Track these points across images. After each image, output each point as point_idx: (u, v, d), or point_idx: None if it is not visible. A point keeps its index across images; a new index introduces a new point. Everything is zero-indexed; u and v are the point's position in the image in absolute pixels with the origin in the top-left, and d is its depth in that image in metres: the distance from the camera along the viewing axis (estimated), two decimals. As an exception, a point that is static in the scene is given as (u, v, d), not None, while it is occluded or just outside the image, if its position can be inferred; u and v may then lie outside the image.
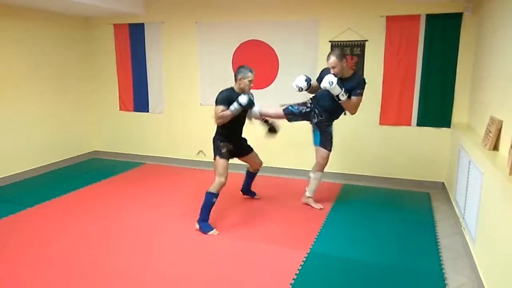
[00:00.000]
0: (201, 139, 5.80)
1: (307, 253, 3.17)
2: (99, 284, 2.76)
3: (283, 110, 4.05)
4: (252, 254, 3.19)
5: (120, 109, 6.23)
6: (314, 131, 4.19)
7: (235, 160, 4.01)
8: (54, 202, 4.34)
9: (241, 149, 4.00)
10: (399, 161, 4.90)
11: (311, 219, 3.86)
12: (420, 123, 4.73)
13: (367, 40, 4.79)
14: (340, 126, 4.98)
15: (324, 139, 4.04)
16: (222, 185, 3.61)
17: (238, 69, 3.69)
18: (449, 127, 4.63)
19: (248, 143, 4.10)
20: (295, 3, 5.00)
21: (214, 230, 3.56)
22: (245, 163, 4.24)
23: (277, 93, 5.30)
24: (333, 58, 3.71)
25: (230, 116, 3.58)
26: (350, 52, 4.87)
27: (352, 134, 5.01)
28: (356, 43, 4.84)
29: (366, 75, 4.83)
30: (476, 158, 3.13)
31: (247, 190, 4.43)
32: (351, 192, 4.67)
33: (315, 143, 4.17)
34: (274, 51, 5.23)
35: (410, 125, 4.77)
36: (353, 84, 3.74)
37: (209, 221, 3.62)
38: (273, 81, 5.31)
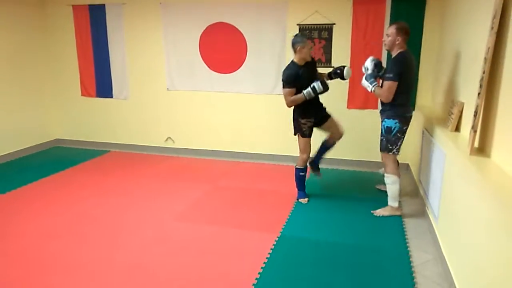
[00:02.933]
0: (169, 125, 5.69)
1: (277, 236, 3.19)
2: (63, 278, 2.66)
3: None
4: (222, 240, 3.17)
5: (82, 95, 5.97)
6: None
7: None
8: (13, 194, 4.14)
9: (321, 117, 3.85)
10: (365, 143, 4.99)
11: (281, 204, 3.88)
12: (386, 106, 4.81)
13: (334, 24, 4.79)
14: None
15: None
16: (306, 160, 3.81)
17: (294, 39, 3.59)
18: (414, 109, 4.73)
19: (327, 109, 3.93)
20: (262, -15, 4.91)
21: (306, 198, 3.90)
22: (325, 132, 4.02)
23: (246, 76, 5.24)
24: (392, 26, 3.45)
25: (302, 100, 3.57)
26: (318, 36, 4.85)
27: (320, 118, 5.05)
28: (323, 26, 4.83)
29: (334, 59, 4.86)
30: (439, 140, 3.22)
31: (315, 163, 4.11)
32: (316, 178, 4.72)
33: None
34: (242, 34, 5.14)
35: (376, 108, 4.84)
36: (387, 66, 3.55)
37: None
38: (242, 64, 5.23)
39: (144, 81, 5.65)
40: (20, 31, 5.49)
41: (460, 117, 3.04)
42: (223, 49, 5.24)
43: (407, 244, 3.10)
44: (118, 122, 5.93)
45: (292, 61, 3.66)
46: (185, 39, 5.34)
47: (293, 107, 3.75)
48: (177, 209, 3.74)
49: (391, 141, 3.50)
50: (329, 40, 4.84)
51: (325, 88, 3.57)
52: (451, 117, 3.20)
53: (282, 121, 5.14)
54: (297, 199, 3.93)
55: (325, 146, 4.09)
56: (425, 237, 3.22)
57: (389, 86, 3.33)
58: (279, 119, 5.15)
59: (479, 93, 2.45)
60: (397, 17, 4.55)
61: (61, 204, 3.87)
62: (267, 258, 2.87)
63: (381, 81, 3.60)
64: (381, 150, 3.61)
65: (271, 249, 3.00)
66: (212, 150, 5.56)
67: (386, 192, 3.72)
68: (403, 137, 3.53)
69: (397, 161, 3.71)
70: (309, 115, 3.71)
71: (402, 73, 3.31)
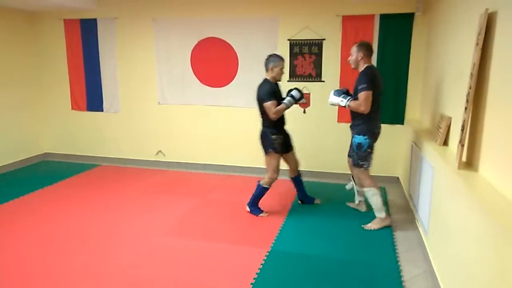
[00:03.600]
0: (160, 139, 5.67)
1: (268, 251, 3.17)
2: (49, 294, 2.60)
3: None
4: (212, 254, 3.13)
5: (72, 109, 5.94)
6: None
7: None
8: (0, 208, 4.05)
9: (287, 143, 3.93)
10: (356, 157, 5.02)
11: (272, 218, 3.86)
12: (376, 120, 4.86)
13: (324, 39, 4.86)
14: (302, 125, 5.06)
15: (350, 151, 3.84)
16: (274, 180, 3.82)
17: (268, 59, 3.73)
18: (403, 123, 4.80)
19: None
20: (254, 0, 4.97)
21: (264, 212, 3.88)
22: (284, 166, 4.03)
23: (237, 90, 5.27)
24: (353, 47, 3.56)
25: (285, 110, 3.69)
26: (308, 51, 4.92)
27: (312, 132, 5.08)
28: (314, 41, 4.89)
29: (324, 73, 4.93)
30: (428, 154, 3.25)
31: (304, 197, 4.20)
32: (311, 189, 4.70)
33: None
34: (233, 49, 5.18)
35: (366, 122, 4.89)
36: (357, 81, 3.52)
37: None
38: (233, 79, 5.27)
39: (135, 95, 5.64)
40: (10, 44, 5.48)
41: (448, 131, 3.08)
42: (214, 63, 5.28)
43: (398, 258, 3.09)
44: (108, 136, 5.89)
45: (266, 79, 3.78)
46: (177, 54, 5.37)
47: (262, 127, 3.84)
48: (167, 224, 3.70)
49: (361, 157, 3.55)
50: (319, 55, 4.90)
51: (302, 94, 3.75)
52: (439, 131, 3.24)
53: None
54: (255, 215, 3.87)
55: (296, 180, 4.14)
56: (415, 251, 3.22)
57: (366, 96, 3.34)
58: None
59: (466, 108, 2.49)
60: (385, 33, 4.65)
61: (49, 219, 3.80)
62: (257, 273, 2.84)
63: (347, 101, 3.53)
64: (353, 165, 3.67)
65: (262, 264, 2.97)
66: (203, 164, 5.54)
67: (355, 209, 3.97)
68: (373, 152, 3.59)
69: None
70: (279, 131, 3.80)
71: (372, 83, 3.37)
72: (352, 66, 3.58)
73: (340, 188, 4.77)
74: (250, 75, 5.18)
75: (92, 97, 5.81)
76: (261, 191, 3.87)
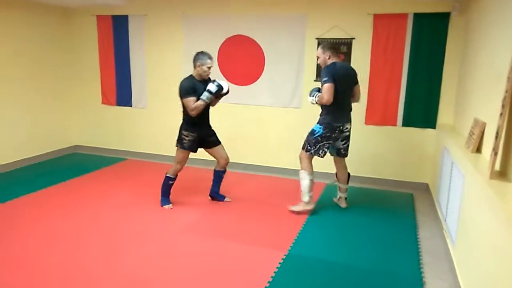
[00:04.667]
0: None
1: (285, 254, 3.09)
2: (63, 286, 2.64)
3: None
4: (228, 255, 3.09)
5: (102, 103, 6.08)
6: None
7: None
8: (27, 198, 4.20)
9: (208, 139, 3.99)
10: (383, 161, 4.85)
11: (292, 219, 3.78)
12: (406, 123, 4.67)
13: (354, 38, 4.71)
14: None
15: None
16: (178, 170, 3.95)
17: (196, 55, 3.71)
18: (434, 128, 4.58)
19: (218, 136, 4.10)
20: (282, -2, 4.90)
21: (170, 204, 3.99)
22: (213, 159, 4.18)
23: (263, 89, 5.21)
24: (318, 49, 3.74)
25: (204, 106, 3.66)
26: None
27: (337, 133, 4.95)
28: (343, 41, 4.76)
29: (352, 73, 4.76)
30: (459, 161, 3.07)
31: (215, 193, 4.23)
32: (334, 192, 4.59)
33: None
34: (260, 47, 5.13)
35: (395, 125, 4.71)
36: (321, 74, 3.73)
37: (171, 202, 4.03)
38: (259, 77, 5.21)
39: (163, 91, 5.70)
40: (45, 39, 5.66)
41: (482, 137, 2.89)
42: (241, 61, 5.24)
43: (422, 270, 2.93)
44: (136, 131, 5.99)
45: (190, 75, 3.75)
46: (204, 50, 5.35)
47: (182, 120, 3.84)
48: (184, 221, 3.70)
49: (310, 141, 3.75)
50: (348, 55, 4.76)
51: (219, 87, 3.65)
52: (472, 137, 3.05)
53: (297, 135, 5.06)
54: (162, 205, 3.98)
55: (217, 175, 4.15)
56: (441, 263, 3.05)
57: (327, 88, 3.51)
58: (294, 133, 5.08)
59: (501, 114, 2.32)
60: (419, 34, 4.45)
61: (70, 211, 3.89)
62: (272, 277, 2.77)
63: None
64: (302, 147, 3.85)
65: (277, 267, 2.90)
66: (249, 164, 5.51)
67: (340, 206, 4.10)
68: (326, 144, 3.74)
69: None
70: (192, 130, 3.80)
71: (334, 76, 3.52)
72: (322, 67, 3.71)
73: (364, 193, 4.63)
74: (277, 74, 5.11)
75: (121, 92, 5.92)
76: (165, 180, 3.97)
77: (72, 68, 6.12)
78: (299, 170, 3.89)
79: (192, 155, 3.93)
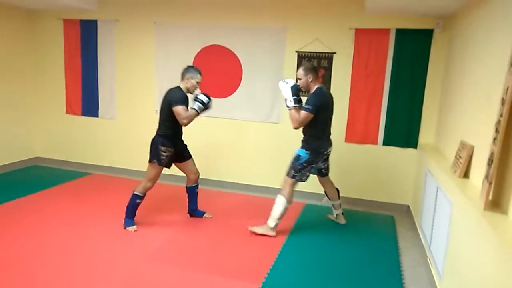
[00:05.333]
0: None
1: (259, 287, 2.80)
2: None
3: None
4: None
5: (66, 113, 5.67)
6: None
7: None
8: (-26, 217, 3.76)
9: (182, 153, 3.80)
10: (363, 181, 4.66)
11: (268, 244, 3.50)
12: (386, 142, 4.51)
13: (335, 53, 4.54)
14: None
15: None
16: (148, 189, 3.67)
17: (187, 69, 3.63)
18: (416, 147, 4.43)
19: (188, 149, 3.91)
20: (261, 8, 4.69)
21: (134, 226, 3.67)
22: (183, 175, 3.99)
23: (240, 102, 4.96)
24: (300, 70, 3.56)
25: (195, 116, 3.54)
26: (318, 64, 4.60)
27: (316, 151, 4.73)
28: (323, 55, 4.58)
29: (333, 89, 4.59)
30: (445, 186, 2.88)
31: (193, 210, 4.02)
32: (313, 214, 4.35)
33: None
34: (237, 58, 4.89)
35: (376, 143, 4.54)
36: (307, 98, 3.51)
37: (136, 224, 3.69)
38: (236, 89, 4.96)
39: (133, 102, 5.36)
40: (5, 43, 5.24)
41: (470, 161, 2.72)
42: (217, 72, 4.98)
43: (407, 304, 2.71)
44: (102, 143, 5.60)
45: (178, 86, 3.62)
46: (178, 61, 5.06)
47: (156, 135, 3.67)
48: (151, 246, 3.36)
49: (296, 168, 3.56)
50: (328, 69, 4.58)
51: (209, 98, 3.61)
52: (459, 161, 2.88)
53: (275, 152, 4.84)
54: (125, 227, 3.66)
55: (191, 191, 3.99)
56: (426, 296, 2.84)
57: (305, 117, 3.42)
58: (272, 149, 4.84)
59: (494, 139, 2.14)
60: (401, 50, 4.32)
61: (19, 232, 3.48)
62: (244, 314, 2.48)
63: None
64: (286, 173, 3.65)
65: (250, 302, 2.61)
66: (200, 178, 5.19)
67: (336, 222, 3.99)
68: (309, 168, 3.59)
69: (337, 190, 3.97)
70: (170, 144, 3.63)
71: (320, 107, 3.43)
72: (303, 89, 3.58)
73: (345, 214, 4.41)
74: (254, 86, 4.88)
75: (87, 102, 5.53)
76: (132, 198, 3.67)
77: (35, 74, 5.70)
78: (278, 188, 3.66)
79: (163, 170, 3.66)
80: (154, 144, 3.63)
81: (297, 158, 3.58)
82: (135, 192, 3.67)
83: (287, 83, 3.53)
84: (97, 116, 5.52)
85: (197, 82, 3.60)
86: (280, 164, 4.83)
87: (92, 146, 5.62)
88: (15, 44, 5.38)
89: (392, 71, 4.37)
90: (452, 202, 2.63)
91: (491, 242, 1.90)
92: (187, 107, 3.54)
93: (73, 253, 3.17)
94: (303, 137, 3.64)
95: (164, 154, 3.59)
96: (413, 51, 4.31)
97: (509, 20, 2.31)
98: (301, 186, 4.59)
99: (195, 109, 3.53)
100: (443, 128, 3.91)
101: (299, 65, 4.64)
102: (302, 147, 3.60)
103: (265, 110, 4.88)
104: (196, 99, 3.57)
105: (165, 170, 3.76)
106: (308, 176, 3.65)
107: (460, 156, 2.88)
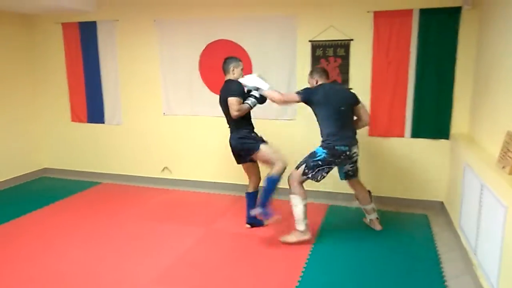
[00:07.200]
0: (166, 154, 5.08)
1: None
2: None
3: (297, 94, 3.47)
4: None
5: (72, 120, 5.43)
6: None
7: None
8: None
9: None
10: (390, 177, 4.29)
11: (292, 255, 3.17)
12: (415, 134, 4.12)
13: (352, 40, 4.15)
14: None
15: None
16: (285, 168, 3.43)
17: (227, 60, 3.62)
18: (448, 138, 4.03)
19: None
20: (269, -4, 4.33)
21: (276, 216, 3.45)
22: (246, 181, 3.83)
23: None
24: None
25: (247, 110, 3.47)
26: (333, 53, 4.23)
27: (337, 147, 4.38)
28: (339, 43, 4.20)
29: (352, 79, 4.23)
30: (494, 185, 2.51)
31: (253, 219, 3.67)
32: (338, 216, 4.01)
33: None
34: (246, 52, 4.54)
35: (403, 136, 4.16)
36: None
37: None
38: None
39: (138, 105, 5.08)
40: (5, 52, 5.01)
41: (522, 156, 2.34)
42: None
43: (456, 323, 2.36)
44: (110, 151, 5.35)
45: (230, 79, 3.60)
46: (184, 59, 4.77)
47: (236, 132, 3.56)
48: (162, 264, 3.07)
49: (309, 164, 3.31)
50: (345, 58, 4.20)
51: (262, 96, 3.52)
52: (507, 155, 2.50)
53: (293, 151, 4.47)
54: (266, 217, 3.49)
55: (251, 196, 3.69)
56: (478, 312, 2.48)
57: (289, 95, 3.49)
58: (288, 148, 4.49)
59: None
60: (426, 32, 3.91)
61: (32, 251, 3.27)
62: None
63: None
64: (296, 167, 3.38)
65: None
66: (213, 182, 4.91)
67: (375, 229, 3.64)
68: (326, 169, 3.33)
69: (369, 192, 3.66)
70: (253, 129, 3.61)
71: (311, 97, 3.33)
72: None
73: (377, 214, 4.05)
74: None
75: (92, 108, 5.28)
76: (273, 182, 3.40)
77: (37, 82, 5.47)
78: (290, 192, 3.35)
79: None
80: (245, 138, 3.54)
81: (312, 154, 3.35)
82: (274, 176, 3.40)
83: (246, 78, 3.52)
84: (103, 122, 5.26)
85: (242, 69, 3.62)
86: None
87: (101, 154, 5.38)
88: (14, 52, 5.14)
89: (417, 56, 3.97)
90: (506, 205, 2.26)
91: None
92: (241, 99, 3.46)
93: (74, 274, 2.91)
94: (322, 136, 3.39)
95: (258, 135, 3.61)
96: (439, 32, 3.89)
97: None
98: (323, 186, 4.29)
99: (249, 104, 3.46)
100: (479, 116, 3.50)
101: (313, 56, 4.30)
102: (321, 146, 3.36)
103: (278, 106, 4.52)
104: (249, 95, 3.50)
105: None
106: (323, 176, 3.35)
107: (508, 150, 2.50)
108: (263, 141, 3.54)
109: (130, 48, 4.97)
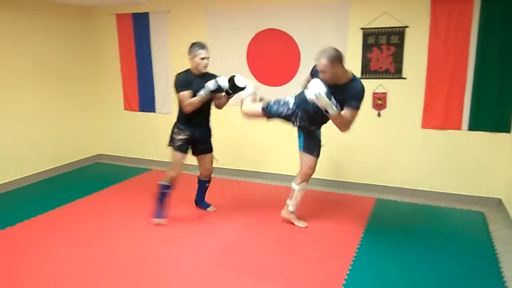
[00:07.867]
0: (214, 143, 5.14)
1: (335, 302, 2.48)
2: None
3: (262, 108, 3.38)
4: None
5: (125, 109, 5.66)
6: (298, 133, 3.48)
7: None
8: (42, 218, 3.80)
9: (201, 142, 3.62)
10: (445, 172, 4.10)
11: (341, 247, 3.14)
12: (473, 126, 3.91)
13: (407, 27, 3.98)
14: (373, 128, 4.26)
15: (310, 143, 3.38)
16: (173, 179, 3.51)
17: (189, 48, 3.43)
18: (509, 131, 3.79)
19: (212, 141, 3.75)
20: (320, -16, 4.24)
21: (163, 219, 3.54)
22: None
23: (298, 90, 4.57)
24: (322, 61, 2.81)
25: (200, 103, 3.34)
26: (387, 42, 4.08)
27: (388, 139, 4.25)
28: (393, 30, 4.04)
29: (406, 68, 4.07)
30: None
31: (199, 202, 3.98)
32: (387, 211, 3.91)
33: (299, 148, 3.49)
34: (295, 41, 4.49)
35: (460, 129, 3.96)
36: (349, 93, 2.88)
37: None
38: (294, 76, 4.58)
39: (188, 94, 5.19)
40: (64, 44, 5.28)
41: None
42: (273, 59, 4.63)
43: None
44: (160, 138, 5.45)
45: (187, 69, 3.50)
46: (232, 48, 4.80)
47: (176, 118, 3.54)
48: (213, 249, 3.15)
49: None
50: (400, 46, 4.04)
51: (218, 86, 3.30)
52: None
53: (341, 143, 4.39)
54: (154, 218, 3.56)
55: (200, 183, 3.89)
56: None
57: (354, 116, 2.90)
58: (337, 140, 4.42)
59: None
60: (488, 18, 3.68)
61: (86, 235, 3.45)
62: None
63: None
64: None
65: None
66: (261, 172, 4.94)
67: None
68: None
69: None
70: (185, 129, 3.47)
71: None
72: (330, 83, 2.87)
73: (425, 211, 3.93)
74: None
75: (144, 97, 5.47)
76: (159, 188, 3.51)
77: (92, 72, 5.73)
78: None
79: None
80: (172, 127, 3.56)
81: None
82: (160, 183, 3.53)
83: (319, 93, 2.73)
84: (154, 111, 5.44)
85: (201, 58, 3.35)
86: (338, 156, 4.45)
87: (151, 142, 5.57)
88: (72, 44, 5.40)
89: (478, 45, 3.75)
90: None
91: None
92: (191, 90, 3.35)
93: (128, 260, 3.05)
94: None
95: (177, 137, 3.48)
96: (503, 18, 3.65)
97: None
98: (371, 178, 4.21)
99: (201, 95, 3.30)
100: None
101: (364, 44, 4.17)
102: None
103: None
104: (203, 84, 3.32)
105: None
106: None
107: None
108: (174, 145, 3.50)
109: (181, 38, 5.04)
